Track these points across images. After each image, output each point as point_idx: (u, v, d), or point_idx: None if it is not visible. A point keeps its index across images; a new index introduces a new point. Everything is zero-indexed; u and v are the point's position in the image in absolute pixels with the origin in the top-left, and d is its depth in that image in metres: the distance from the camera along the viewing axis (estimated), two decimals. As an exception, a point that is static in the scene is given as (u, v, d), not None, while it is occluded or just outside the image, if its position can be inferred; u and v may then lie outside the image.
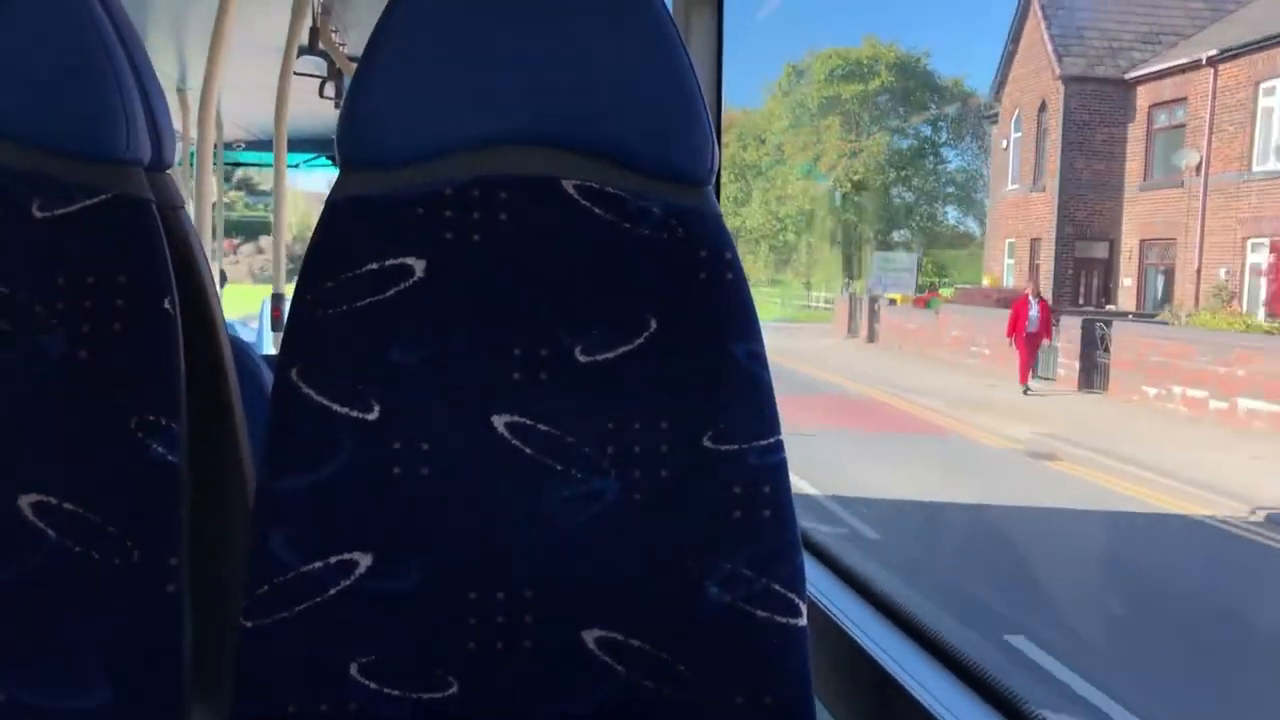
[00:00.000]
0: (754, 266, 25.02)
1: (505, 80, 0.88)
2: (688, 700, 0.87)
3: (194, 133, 3.90)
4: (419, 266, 0.87)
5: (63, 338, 0.87)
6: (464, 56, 0.88)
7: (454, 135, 0.88)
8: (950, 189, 25.41)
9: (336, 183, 0.89)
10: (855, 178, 24.25)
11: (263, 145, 7.06)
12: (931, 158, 25.43)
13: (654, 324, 0.88)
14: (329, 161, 8.08)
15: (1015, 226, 18.66)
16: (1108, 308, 16.13)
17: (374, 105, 0.88)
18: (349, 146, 0.88)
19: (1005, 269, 18.93)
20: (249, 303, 6.90)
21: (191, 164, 4.01)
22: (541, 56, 0.88)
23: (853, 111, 24.32)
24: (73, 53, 0.88)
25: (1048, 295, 15.18)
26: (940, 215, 25.61)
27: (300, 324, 0.87)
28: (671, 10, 0.90)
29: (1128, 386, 11.87)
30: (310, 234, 0.89)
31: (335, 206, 0.88)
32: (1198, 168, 15.18)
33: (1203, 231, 14.98)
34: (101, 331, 0.87)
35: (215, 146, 4.32)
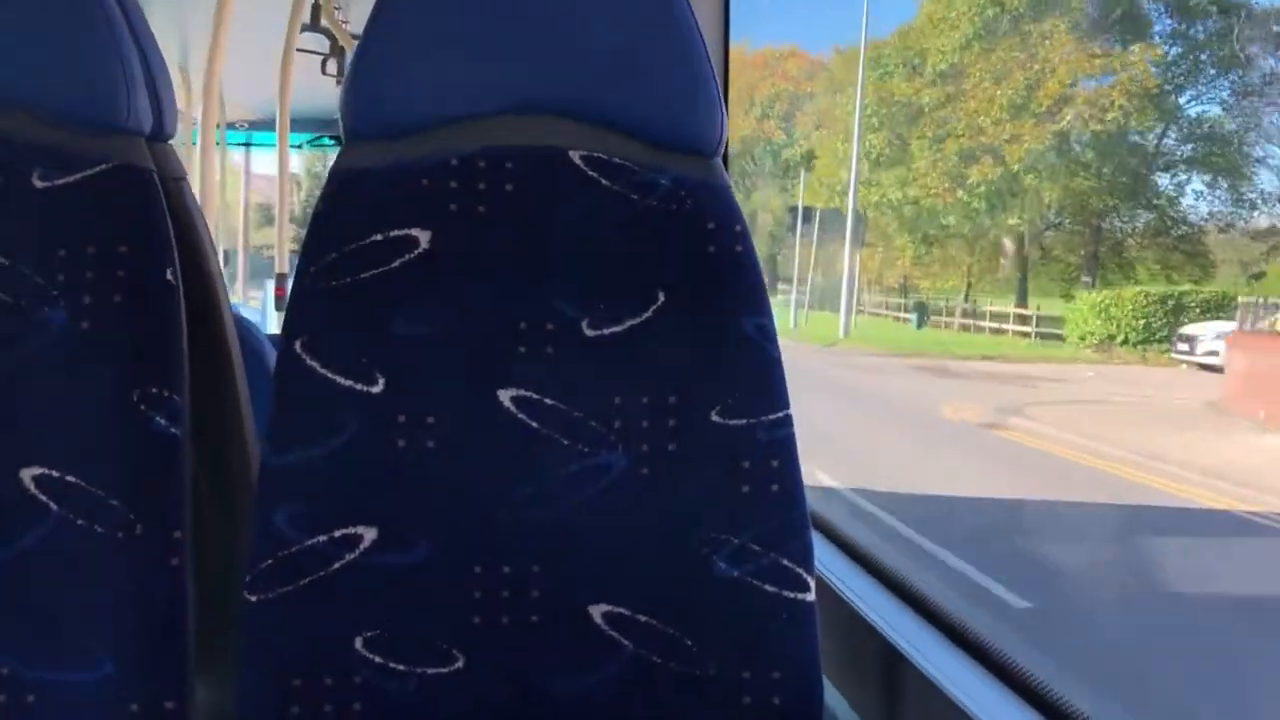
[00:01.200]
0: (887, 262, 16.84)
1: (510, 50, 0.87)
2: (695, 675, 0.86)
3: (196, 112, 3.89)
4: (424, 238, 0.86)
5: (64, 309, 0.86)
6: (468, 27, 0.87)
7: (458, 105, 0.87)
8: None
9: (339, 155, 0.89)
10: (1112, 118, 14.12)
11: (265, 125, 7.04)
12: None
13: (662, 297, 0.87)
14: (331, 141, 8.06)
15: None
16: None
17: (377, 76, 0.87)
18: (352, 118, 0.88)
19: None
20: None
21: (194, 143, 4.00)
22: (547, 26, 0.87)
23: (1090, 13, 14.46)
24: (73, 21, 0.87)
25: None
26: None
27: (304, 296, 0.86)
28: None
29: None
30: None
31: (338, 178, 0.87)
32: None
33: None
34: (103, 303, 0.86)
35: (218, 125, 4.31)
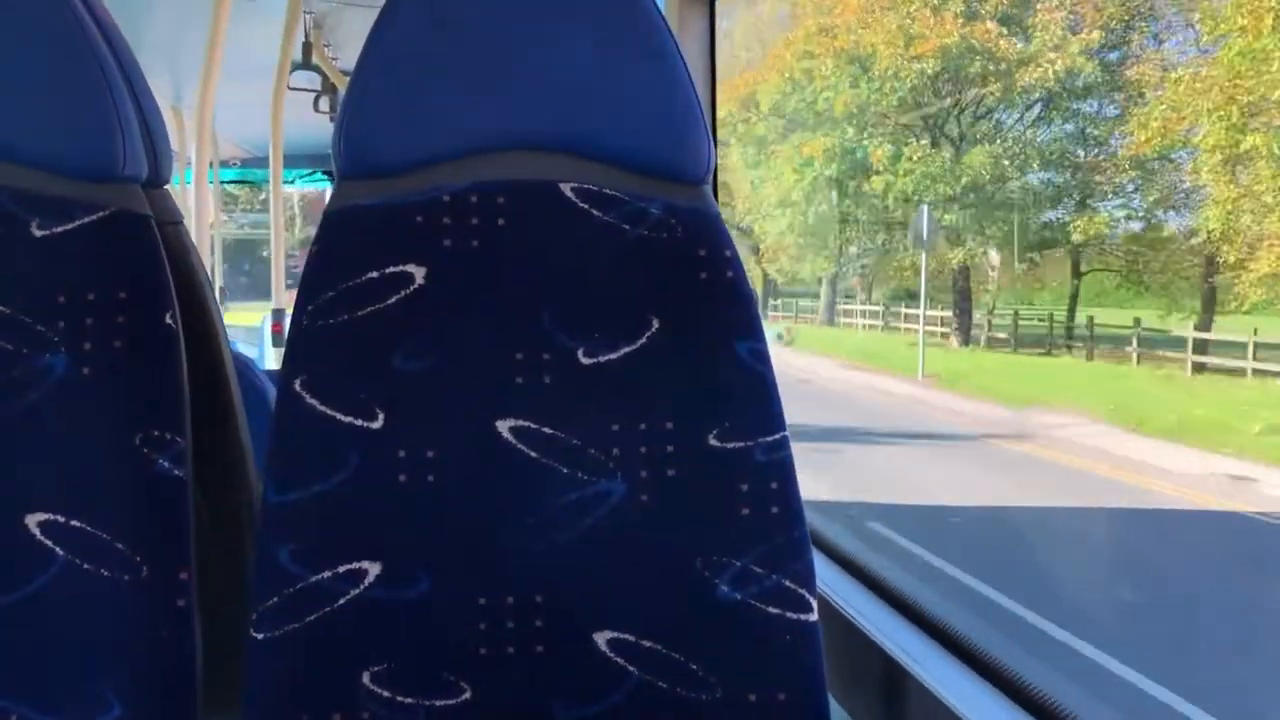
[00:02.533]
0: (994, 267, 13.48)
1: (499, 86, 0.88)
2: (701, 700, 0.87)
3: (190, 151, 3.91)
4: (419, 274, 0.87)
5: (65, 356, 0.87)
6: (457, 64, 0.88)
7: (449, 142, 0.88)
8: None
9: (334, 193, 0.90)
10: None
11: (258, 162, 7.08)
12: None
13: (656, 324, 0.88)
14: (325, 177, 8.10)
15: None
16: None
17: (368, 115, 0.88)
18: (345, 157, 0.89)
19: None
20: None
21: (188, 182, 4.02)
22: (534, 61, 0.88)
23: None
24: (68, 71, 0.88)
25: None
26: None
27: (302, 334, 0.87)
28: (664, 11, 0.90)
29: None
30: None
31: (333, 217, 0.88)
32: None
33: None
34: (104, 348, 0.87)
35: (211, 164, 4.33)
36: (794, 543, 0.87)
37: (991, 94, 13.54)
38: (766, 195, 15.57)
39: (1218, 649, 4.94)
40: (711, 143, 0.91)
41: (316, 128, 4.36)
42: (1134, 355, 11.35)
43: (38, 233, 0.88)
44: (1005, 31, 12.97)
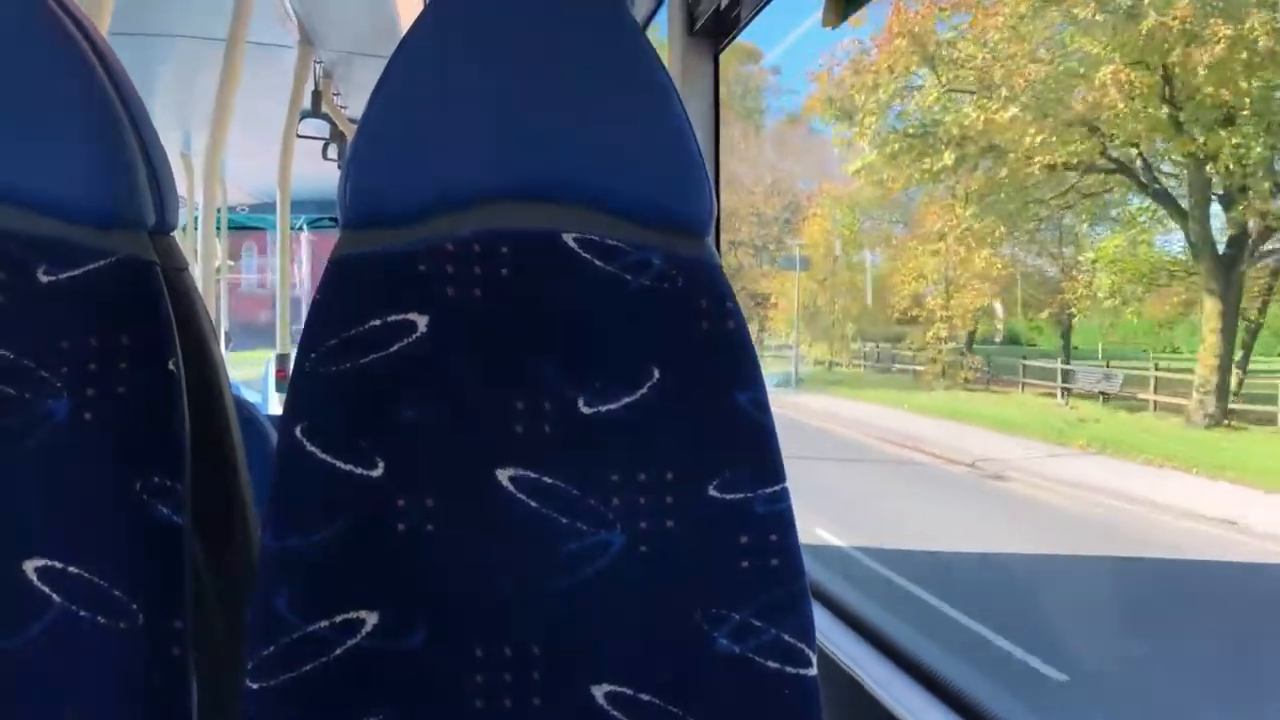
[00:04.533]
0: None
1: (503, 137, 0.89)
2: None
3: (198, 197, 3.94)
4: (421, 322, 0.88)
5: (67, 401, 0.87)
6: (461, 114, 0.89)
7: (453, 191, 0.89)
8: None
9: (338, 241, 0.90)
10: None
11: (265, 208, 7.13)
12: None
13: (657, 374, 0.88)
14: (330, 223, 8.15)
15: None
16: None
17: (373, 164, 0.89)
18: (350, 206, 0.89)
19: None
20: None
21: (196, 228, 4.06)
22: (538, 112, 0.89)
23: None
24: (76, 116, 0.89)
25: None
26: None
27: (304, 382, 0.87)
28: (668, 64, 0.91)
29: None
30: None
31: (337, 265, 0.89)
32: None
33: None
34: (106, 394, 0.87)
35: (219, 210, 4.37)
36: (793, 595, 0.87)
37: None
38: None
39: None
40: (714, 195, 0.92)
41: (324, 175, 4.40)
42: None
43: (43, 278, 0.88)
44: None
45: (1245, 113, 10.14)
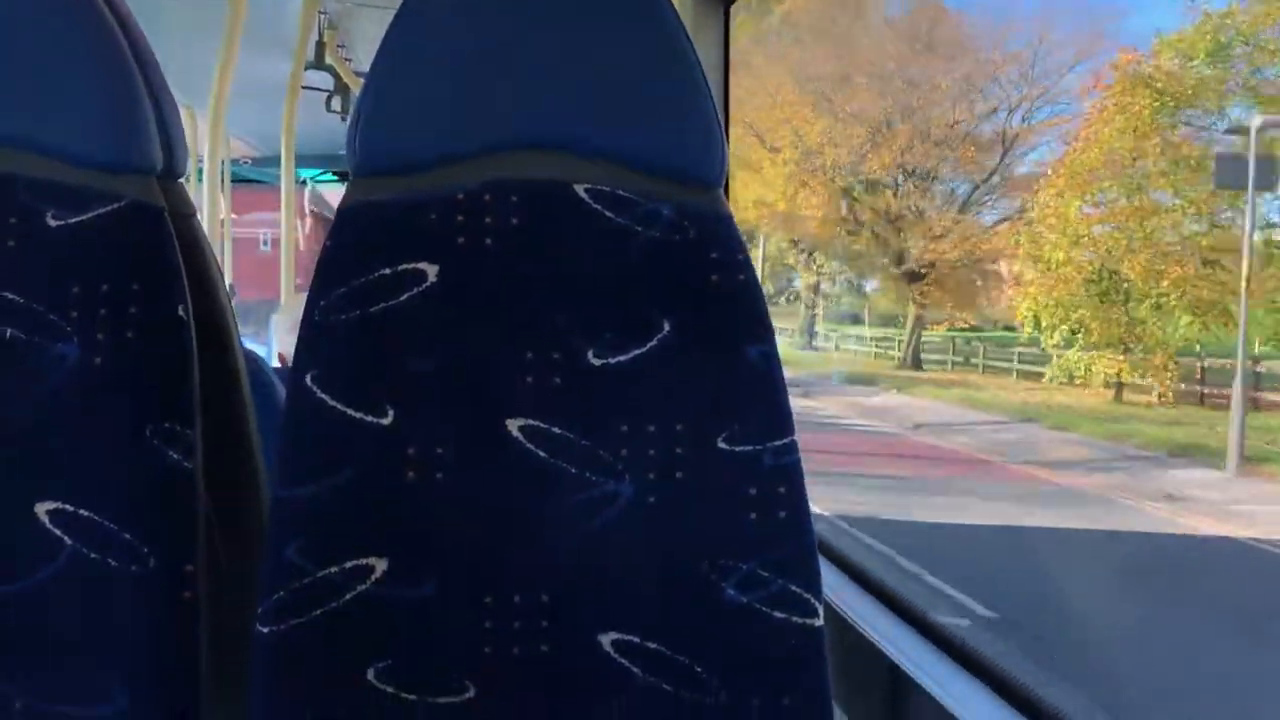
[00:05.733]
0: None
1: (514, 86, 0.88)
2: (705, 703, 0.87)
3: (202, 149, 3.93)
4: (432, 271, 0.87)
5: (77, 346, 0.87)
6: (472, 63, 0.88)
7: (464, 141, 0.89)
8: None
9: (348, 190, 0.90)
10: None
11: (269, 161, 7.08)
12: None
13: (667, 326, 0.88)
14: (335, 176, 8.11)
15: None
16: None
17: (384, 112, 0.88)
18: (359, 155, 0.89)
19: None
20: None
21: (200, 179, 4.04)
22: (550, 62, 0.88)
23: None
24: (85, 62, 0.88)
25: None
26: None
27: (313, 330, 0.87)
28: (680, 14, 0.90)
29: None
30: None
31: (347, 213, 0.88)
32: None
33: None
34: (116, 339, 0.87)
35: (223, 162, 4.35)
36: (801, 547, 0.87)
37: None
38: None
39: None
40: (725, 146, 0.91)
41: (327, 127, 4.37)
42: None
43: (53, 223, 0.88)
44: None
45: None
